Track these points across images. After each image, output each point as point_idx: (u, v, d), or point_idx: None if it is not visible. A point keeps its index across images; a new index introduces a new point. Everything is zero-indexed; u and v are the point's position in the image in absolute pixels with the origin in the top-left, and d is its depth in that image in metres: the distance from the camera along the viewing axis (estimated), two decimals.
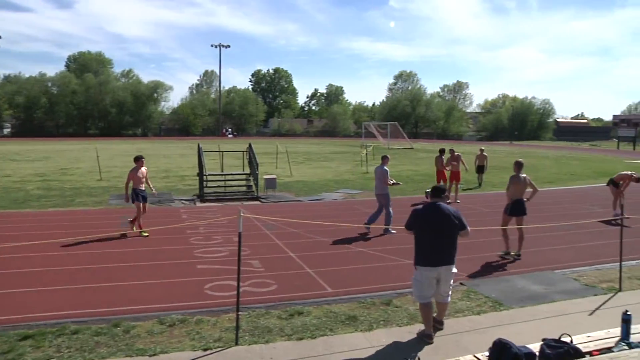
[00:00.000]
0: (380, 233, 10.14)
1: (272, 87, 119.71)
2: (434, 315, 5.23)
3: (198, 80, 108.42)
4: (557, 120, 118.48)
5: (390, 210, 10.34)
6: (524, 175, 8.51)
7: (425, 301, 5.08)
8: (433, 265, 4.92)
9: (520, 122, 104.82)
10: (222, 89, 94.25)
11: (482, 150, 18.92)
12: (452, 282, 5.17)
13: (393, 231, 10.13)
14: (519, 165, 8.57)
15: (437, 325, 5.24)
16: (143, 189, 9.65)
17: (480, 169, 18.72)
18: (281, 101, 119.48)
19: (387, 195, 10.24)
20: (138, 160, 9.63)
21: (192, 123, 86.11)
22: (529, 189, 8.62)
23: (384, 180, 10.24)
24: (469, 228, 5.09)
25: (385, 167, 10.27)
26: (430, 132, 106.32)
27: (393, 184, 10.34)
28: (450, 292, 5.22)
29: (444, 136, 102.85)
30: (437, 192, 5.17)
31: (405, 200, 14.25)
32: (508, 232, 8.56)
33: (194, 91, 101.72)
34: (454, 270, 5.10)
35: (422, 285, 5.00)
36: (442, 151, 15.51)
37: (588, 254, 8.75)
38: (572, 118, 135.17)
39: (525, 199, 8.48)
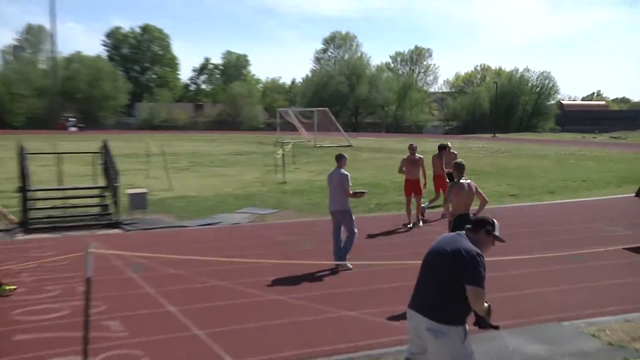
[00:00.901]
0: (323, 270, 10.24)
1: (140, 55, 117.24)
2: None
3: (16, 40, 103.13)
4: (562, 102, 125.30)
5: (355, 229, 10.74)
6: (468, 181, 9.57)
7: (406, 356, 5.29)
8: (409, 307, 5.12)
9: (508, 105, 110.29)
10: (57, 55, 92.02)
11: (448, 148, 19.44)
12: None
13: (350, 265, 10.46)
14: (459, 169, 9.62)
15: None
16: None
17: (448, 177, 19.30)
18: (154, 76, 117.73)
19: (349, 211, 10.77)
20: None
21: (9, 109, 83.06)
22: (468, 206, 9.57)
23: (344, 189, 10.65)
24: (479, 287, 4.76)
25: (344, 171, 10.79)
26: (377, 122, 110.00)
27: (355, 194, 10.76)
28: None
29: (397, 128, 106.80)
30: (461, 222, 5.69)
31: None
32: None
33: (11, 58, 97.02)
34: (445, 337, 4.79)
35: (407, 332, 5.29)
36: (442, 148, 16.87)
37: (610, 297, 9.15)
38: (584, 99, 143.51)
39: (472, 215, 9.45)
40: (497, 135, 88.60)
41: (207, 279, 9.69)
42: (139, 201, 15.66)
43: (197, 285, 9.41)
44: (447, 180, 16.61)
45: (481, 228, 5.20)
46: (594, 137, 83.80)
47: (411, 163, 15.26)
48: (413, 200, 15.32)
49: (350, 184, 10.74)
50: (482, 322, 4.93)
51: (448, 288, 4.84)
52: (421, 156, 15.48)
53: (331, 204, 10.80)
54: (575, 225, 15.23)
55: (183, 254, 10.91)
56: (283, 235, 13.50)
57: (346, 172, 10.77)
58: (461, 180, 9.54)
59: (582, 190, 22.98)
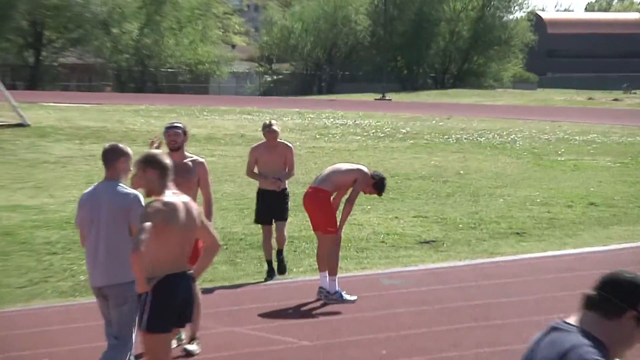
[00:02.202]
0: None
1: None
2: None
3: None
4: (542, 16, 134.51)
5: (135, 331, 11.21)
6: (185, 198, 10.45)
7: None
8: None
9: (416, 26, 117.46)
10: None
11: (269, 129, 19.98)
12: None
13: None
14: (155, 166, 10.22)
15: None
16: None
17: (267, 200, 19.78)
18: None
19: (134, 285, 11.10)
20: None
21: None
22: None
23: (131, 229, 11.21)
24: None
25: (127, 187, 11.49)
26: (92, 63, 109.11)
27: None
28: None
29: (143, 78, 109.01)
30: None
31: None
32: None
33: None
34: None
35: None
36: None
37: None
38: (590, 9, 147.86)
39: (193, 275, 10.53)
40: (389, 96, 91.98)
41: None
42: None
43: None
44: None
45: (630, 306, 5.28)
46: (615, 100, 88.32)
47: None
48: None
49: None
50: None
51: None
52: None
53: (97, 269, 11.23)
54: (569, 305, 15.84)
55: None
56: None
57: (134, 191, 11.41)
58: (168, 197, 10.02)
59: (588, 227, 24.19)
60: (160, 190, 9.96)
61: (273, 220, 19.24)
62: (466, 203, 27.15)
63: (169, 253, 9.78)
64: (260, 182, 19.32)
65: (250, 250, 21.14)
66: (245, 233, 22.49)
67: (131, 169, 11.30)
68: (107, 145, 11.46)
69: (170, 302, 9.85)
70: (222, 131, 48.09)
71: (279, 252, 19.17)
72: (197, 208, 10.41)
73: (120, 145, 11.35)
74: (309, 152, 39.71)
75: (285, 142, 19.34)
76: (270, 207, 18.87)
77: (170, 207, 9.79)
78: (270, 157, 18.99)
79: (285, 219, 19.41)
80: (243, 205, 26.01)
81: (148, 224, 9.62)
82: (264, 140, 19.13)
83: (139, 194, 11.23)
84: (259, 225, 20.05)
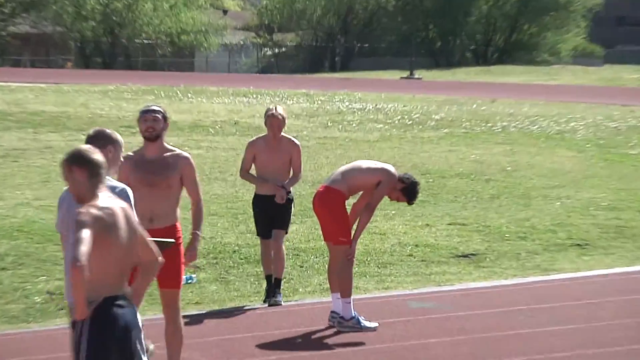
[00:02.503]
0: None
1: None
2: None
3: None
4: None
5: None
6: (121, 203, 10.17)
7: None
8: None
9: None
10: None
11: (273, 113, 20.09)
12: None
13: None
14: (88, 167, 10.00)
15: None
16: None
17: (265, 207, 19.84)
18: None
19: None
20: None
21: None
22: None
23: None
24: None
25: (116, 181, 11.64)
26: (48, 32, 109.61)
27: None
28: None
29: (112, 51, 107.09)
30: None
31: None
32: None
33: None
34: None
35: None
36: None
37: None
38: None
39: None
40: (418, 74, 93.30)
41: None
42: None
43: None
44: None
45: None
46: None
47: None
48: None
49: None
50: None
51: None
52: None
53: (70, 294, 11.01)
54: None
55: None
56: None
57: (121, 184, 11.48)
58: (104, 202, 9.73)
59: None
60: (92, 194, 9.61)
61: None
62: (514, 207, 27.14)
63: (110, 270, 9.63)
64: (257, 185, 19.24)
65: (246, 266, 21.16)
66: (240, 244, 22.50)
67: (121, 159, 11.56)
68: (91, 131, 11.51)
69: (111, 331, 9.57)
70: (211, 117, 48.41)
71: (276, 283, 18.78)
72: (134, 215, 10.29)
73: (108, 130, 11.44)
74: (319, 143, 40.07)
75: (291, 138, 19.10)
76: (269, 215, 18.47)
77: (109, 213, 9.55)
78: (271, 156, 18.69)
79: (285, 229, 19.03)
80: (236, 209, 26.08)
81: (86, 232, 9.28)
82: (263, 133, 19.00)
83: (127, 187, 11.33)
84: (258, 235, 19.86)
